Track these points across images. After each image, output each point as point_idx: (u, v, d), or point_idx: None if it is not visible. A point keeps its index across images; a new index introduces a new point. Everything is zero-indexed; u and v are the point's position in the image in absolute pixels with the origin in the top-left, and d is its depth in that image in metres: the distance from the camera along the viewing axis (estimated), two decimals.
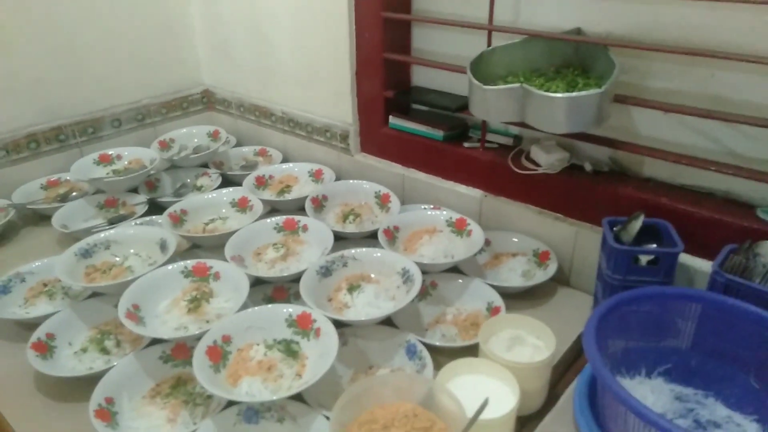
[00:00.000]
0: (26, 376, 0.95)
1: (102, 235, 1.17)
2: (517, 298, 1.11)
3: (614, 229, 1.00)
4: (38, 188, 1.48)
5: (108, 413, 0.83)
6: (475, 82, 1.03)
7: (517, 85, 0.98)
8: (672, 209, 1.02)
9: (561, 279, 1.18)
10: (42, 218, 1.41)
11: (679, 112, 0.98)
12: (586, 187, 1.12)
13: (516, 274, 1.15)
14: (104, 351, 0.98)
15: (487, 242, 1.21)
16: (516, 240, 1.22)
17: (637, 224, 0.96)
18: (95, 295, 1.07)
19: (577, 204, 1.15)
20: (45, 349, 0.97)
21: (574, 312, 1.09)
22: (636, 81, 1.06)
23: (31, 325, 1.01)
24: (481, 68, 1.09)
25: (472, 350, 0.93)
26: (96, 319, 1.04)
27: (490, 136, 1.28)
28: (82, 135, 1.58)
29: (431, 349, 0.94)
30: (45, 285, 1.14)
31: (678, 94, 1.02)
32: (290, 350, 0.90)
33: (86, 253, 1.13)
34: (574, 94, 0.93)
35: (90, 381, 0.88)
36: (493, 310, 1.04)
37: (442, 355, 0.95)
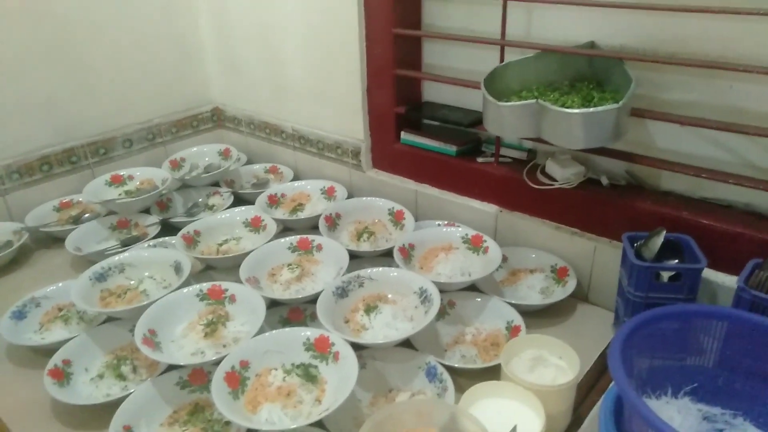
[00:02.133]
0: (44, 404, 0.94)
1: (116, 258, 1.17)
2: (536, 316, 1.09)
3: (635, 245, 0.98)
4: (51, 210, 1.48)
5: None
6: (490, 98, 1.02)
7: (532, 101, 0.98)
8: (693, 223, 1.00)
9: (580, 295, 1.16)
10: (55, 241, 1.41)
11: (697, 125, 0.97)
12: (603, 202, 1.11)
13: (534, 291, 1.14)
14: (121, 377, 0.97)
15: (504, 258, 1.20)
16: (533, 256, 1.21)
17: (658, 240, 0.95)
18: (111, 319, 1.07)
19: (594, 219, 1.13)
20: (62, 375, 0.96)
21: (594, 329, 1.07)
22: (652, 93, 1.05)
23: (47, 351, 1.01)
24: (495, 83, 1.08)
25: (493, 372, 0.91)
26: (112, 344, 1.03)
27: (503, 151, 1.27)
28: (94, 156, 1.59)
29: (451, 370, 0.93)
30: (60, 310, 1.14)
31: (695, 106, 1.01)
32: (309, 375, 0.89)
33: (101, 277, 1.13)
34: (592, 109, 0.92)
35: (107, 408, 0.87)
36: (513, 330, 1.03)
37: (462, 377, 0.93)
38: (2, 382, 1.01)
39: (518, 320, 1.03)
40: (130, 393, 0.89)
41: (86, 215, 1.45)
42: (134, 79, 1.64)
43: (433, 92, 1.40)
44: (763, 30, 0.91)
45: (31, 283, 1.22)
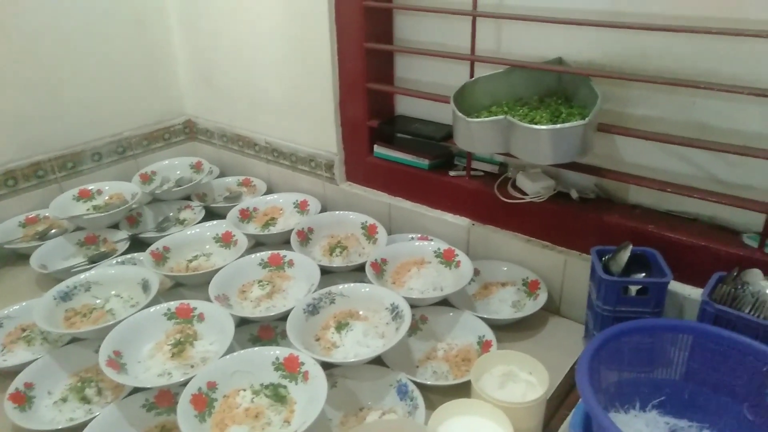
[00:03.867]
0: (4, 430, 0.91)
1: (82, 276, 1.14)
2: (508, 330, 1.10)
3: (603, 259, 0.99)
4: (16, 226, 1.44)
5: None
6: (459, 114, 1.03)
7: (501, 117, 0.98)
8: (659, 236, 1.02)
9: (551, 308, 1.17)
10: (20, 258, 1.37)
11: (661, 140, 0.99)
12: (573, 215, 1.12)
13: (506, 304, 1.14)
14: (85, 400, 0.95)
15: (476, 272, 1.20)
16: (505, 269, 1.21)
17: (625, 254, 0.96)
18: (75, 340, 1.04)
19: (564, 232, 1.14)
20: (23, 399, 0.93)
21: (565, 342, 1.08)
22: (618, 108, 1.06)
23: (9, 373, 0.98)
24: (465, 99, 1.09)
25: (464, 388, 0.91)
26: (76, 366, 1.01)
27: (475, 164, 1.28)
28: (62, 170, 1.55)
29: (423, 387, 0.92)
30: (23, 330, 1.11)
31: (660, 121, 1.03)
32: (278, 395, 0.87)
33: (66, 296, 1.10)
34: (558, 126, 0.93)
35: None
36: (484, 344, 1.03)
37: (434, 394, 0.93)
38: None
39: (489, 335, 1.03)
40: (94, 417, 0.87)
41: (53, 231, 1.42)
42: (104, 91, 1.61)
43: (405, 106, 1.40)
44: (723, 48, 0.93)
45: None
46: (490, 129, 1.00)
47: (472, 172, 1.27)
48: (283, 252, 1.21)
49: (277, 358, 0.91)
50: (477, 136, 1.03)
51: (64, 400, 0.95)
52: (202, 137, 1.81)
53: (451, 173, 1.29)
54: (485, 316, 1.07)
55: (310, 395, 0.85)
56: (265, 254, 1.20)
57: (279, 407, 0.86)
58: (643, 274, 0.98)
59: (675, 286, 1.00)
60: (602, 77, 1.02)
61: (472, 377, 0.87)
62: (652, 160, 1.07)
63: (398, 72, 1.37)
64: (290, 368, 0.90)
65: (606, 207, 1.12)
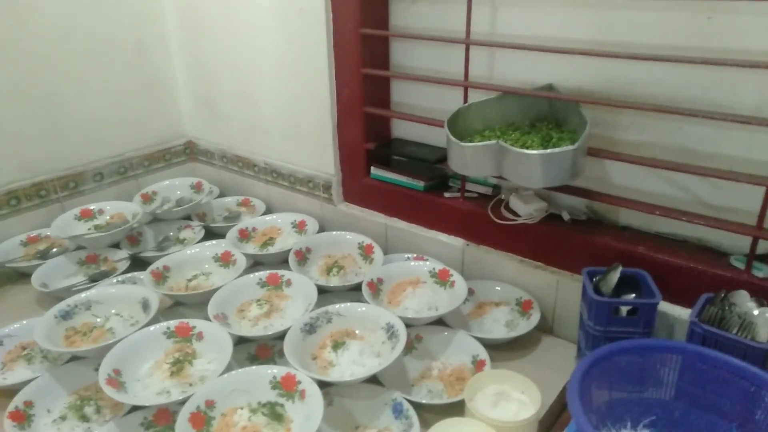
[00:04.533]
0: None
1: (83, 295, 1.16)
2: (501, 349, 1.11)
3: (594, 279, 1.02)
4: (18, 245, 1.46)
5: None
6: (453, 138, 1.06)
7: (493, 141, 1.01)
8: (648, 258, 1.04)
9: (544, 327, 1.19)
10: (21, 276, 1.39)
11: (648, 164, 1.02)
12: (564, 236, 1.14)
13: (500, 324, 1.16)
14: (84, 418, 0.96)
15: (471, 291, 1.22)
16: (499, 289, 1.23)
17: (615, 275, 0.98)
18: (75, 358, 1.06)
19: (556, 253, 1.17)
20: (23, 418, 0.94)
21: (558, 361, 1.09)
22: (608, 133, 1.10)
23: (9, 392, 0.99)
24: (459, 123, 1.12)
25: (458, 407, 0.92)
26: (76, 384, 1.02)
27: (469, 186, 1.30)
28: (64, 190, 1.58)
29: (417, 406, 0.94)
30: (24, 348, 1.12)
31: (648, 145, 1.06)
32: (275, 413, 0.89)
33: (66, 315, 1.12)
34: (549, 151, 0.96)
35: None
36: (478, 364, 1.05)
37: (429, 412, 0.94)
38: None
39: (483, 354, 1.05)
40: None
41: (54, 250, 1.44)
42: (106, 113, 1.65)
43: (401, 129, 1.43)
44: (707, 76, 0.96)
45: None
46: (482, 153, 1.03)
47: (467, 194, 1.30)
48: (281, 272, 1.23)
49: (275, 377, 0.92)
50: (470, 159, 1.06)
51: (63, 418, 0.96)
52: (203, 158, 1.84)
53: (446, 195, 1.32)
54: (479, 336, 1.09)
55: (307, 413, 0.86)
56: (263, 274, 1.22)
57: (276, 425, 0.87)
58: (633, 295, 1.00)
59: (665, 306, 1.02)
60: (591, 103, 1.06)
61: (465, 396, 0.88)
62: (641, 183, 1.10)
63: (395, 96, 1.41)
64: (287, 387, 0.91)
65: (597, 229, 1.14)
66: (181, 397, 0.89)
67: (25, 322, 1.16)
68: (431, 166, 1.31)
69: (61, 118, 1.56)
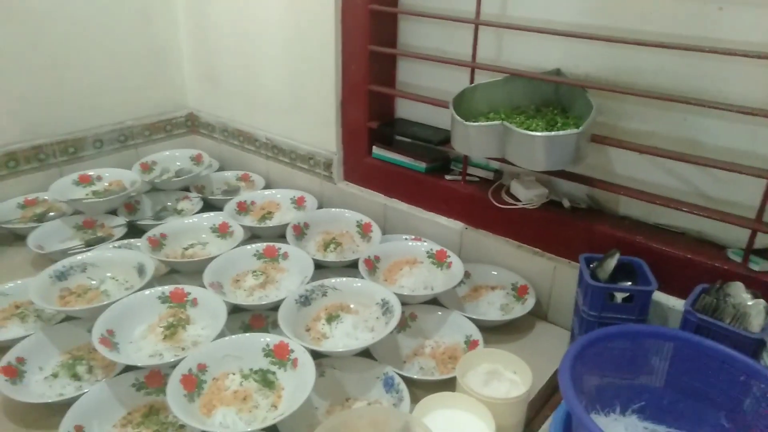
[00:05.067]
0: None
1: (78, 257, 1.16)
2: (495, 332, 1.12)
3: (591, 265, 1.02)
4: (15, 207, 1.45)
5: None
6: (457, 118, 1.05)
7: (497, 122, 1.01)
8: (646, 248, 1.05)
9: (539, 313, 1.19)
10: (17, 238, 1.38)
11: (653, 153, 1.02)
12: (564, 223, 1.15)
13: (494, 307, 1.17)
14: (76, 377, 0.96)
15: (467, 274, 1.22)
16: (495, 273, 1.23)
17: (612, 262, 0.98)
18: (69, 318, 1.05)
19: (555, 239, 1.17)
20: (15, 373, 0.94)
21: (551, 347, 1.10)
22: (613, 122, 1.10)
23: (2, 348, 0.99)
24: (464, 104, 1.12)
25: (449, 384, 0.93)
26: (68, 344, 1.02)
27: (471, 170, 1.30)
28: (63, 155, 1.57)
29: (409, 382, 0.94)
30: (17, 307, 1.12)
31: (653, 135, 1.06)
32: (266, 380, 0.89)
33: (61, 276, 1.12)
34: (553, 133, 0.96)
35: (60, 408, 0.86)
36: (471, 344, 1.05)
37: (419, 389, 0.95)
38: None
39: (477, 335, 1.05)
40: (84, 393, 0.88)
41: (51, 214, 1.44)
42: (109, 80, 1.64)
43: (406, 109, 1.43)
44: (715, 67, 0.96)
45: None
46: (486, 134, 1.03)
47: (468, 178, 1.29)
48: (278, 244, 1.23)
49: (268, 345, 0.92)
50: (474, 140, 1.06)
51: (55, 375, 0.96)
52: (204, 131, 1.83)
53: (447, 177, 1.31)
54: (473, 317, 1.10)
55: (298, 382, 0.86)
56: (260, 246, 1.22)
57: (267, 392, 0.87)
58: (629, 283, 1.01)
59: (660, 296, 1.02)
60: (597, 89, 1.05)
61: (457, 373, 0.89)
62: (642, 173, 1.10)
63: (400, 76, 1.40)
64: (280, 355, 0.92)
65: (596, 217, 1.14)
66: (173, 360, 0.89)
67: (19, 281, 1.16)
68: (434, 147, 1.31)
69: (63, 82, 1.55)
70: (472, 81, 1.18)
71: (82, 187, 1.50)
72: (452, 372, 0.96)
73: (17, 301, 1.13)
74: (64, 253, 1.23)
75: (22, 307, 1.12)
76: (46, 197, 1.49)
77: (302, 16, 1.39)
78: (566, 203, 1.17)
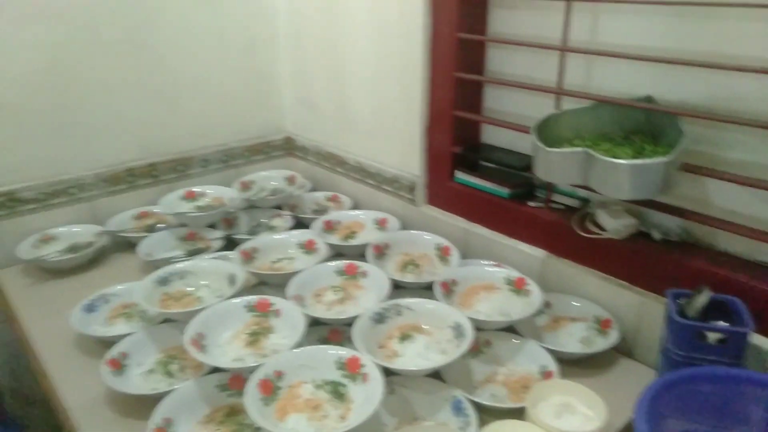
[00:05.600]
0: (100, 390, 1.03)
1: (179, 265, 1.27)
2: (573, 365, 1.08)
3: (679, 301, 0.96)
4: (130, 218, 1.62)
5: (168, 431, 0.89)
6: (539, 143, 1.05)
7: (580, 149, 0.99)
8: (745, 286, 0.97)
9: (623, 349, 1.13)
10: (130, 246, 1.54)
11: (753, 185, 0.95)
12: (653, 256, 1.09)
13: (574, 339, 1.13)
14: (169, 374, 1.05)
15: (547, 304, 1.19)
16: (577, 304, 1.19)
17: (701, 298, 0.92)
18: (168, 320, 1.15)
19: (643, 273, 1.11)
20: (119, 366, 1.05)
21: (633, 386, 1.03)
22: (711, 151, 1.04)
23: (109, 342, 1.11)
24: (548, 130, 1.11)
25: (519, 413, 0.91)
26: (165, 343, 1.11)
27: (556, 197, 1.28)
28: (173, 172, 1.73)
29: (478, 408, 0.93)
30: (125, 307, 1.24)
31: (756, 166, 0.99)
32: (337, 392, 0.92)
33: (163, 281, 1.23)
34: (638, 161, 0.92)
35: (153, 401, 0.94)
36: (546, 375, 1.02)
37: (489, 415, 0.93)
38: (69, 367, 1.11)
39: (553, 366, 1.02)
40: (175, 389, 0.96)
41: (160, 225, 1.58)
42: (216, 106, 1.79)
43: (490, 135, 1.43)
44: None
45: (104, 281, 1.33)
46: (568, 160, 1.02)
47: (552, 205, 1.27)
48: (358, 263, 1.27)
49: (341, 358, 0.96)
50: (555, 166, 1.04)
51: (151, 371, 1.06)
52: (299, 153, 1.94)
53: (531, 204, 1.30)
54: (551, 348, 1.06)
55: (367, 396, 0.89)
56: (342, 263, 1.27)
57: (337, 403, 0.90)
58: (724, 323, 0.93)
59: (761, 340, 0.94)
60: (692, 117, 1.00)
61: (528, 402, 0.87)
62: (745, 207, 1.02)
63: (486, 102, 1.41)
64: (351, 368, 0.94)
65: (690, 251, 1.08)
66: (253, 365, 0.94)
67: (128, 284, 1.29)
68: (518, 173, 1.30)
69: (176, 107, 1.71)
70: (558, 108, 1.17)
71: (188, 202, 1.65)
72: (524, 401, 0.94)
73: (125, 302, 1.26)
74: (168, 261, 1.35)
75: (129, 308, 1.24)
76: (156, 210, 1.64)
77: (392, 43, 1.45)
78: (656, 235, 1.12)
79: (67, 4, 1.46)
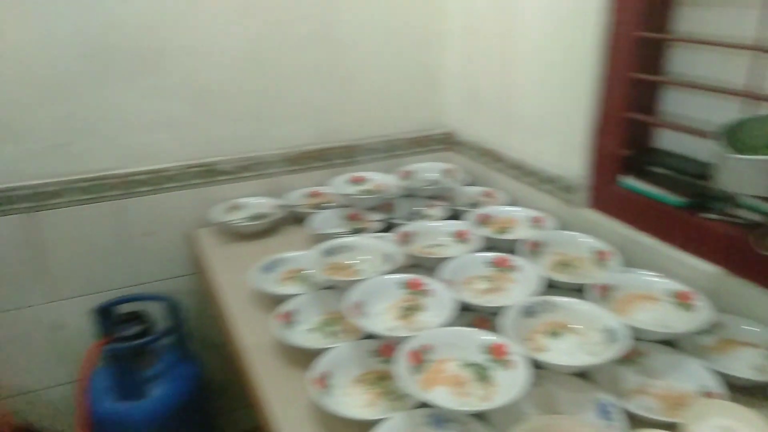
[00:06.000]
0: (271, 339, 1.17)
1: (345, 240, 1.39)
2: (741, 392, 0.99)
3: None
4: (302, 195, 1.81)
5: (324, 383, 0.99)
6: (724, 149, 0.97)
7: None
8: None
9: None
10: (299, 220, 1.71)
11: None
12: None
13: (744, 364, 1.03)
14: (328, 334, 1.17)
15: (715, 325, 1.10)
16: (751, 329, 1.09)
17: None
18: (331, 287, 1.28)
19: None
20: (287, 320, 1.19)
21: None
22: None
23: (279, 300, 1.26)
24: (735, 136, 1.02)
25: (670, 428, 0.86)
26: (328, 307, 1.24)
27: (734, 210, 1.17)
28: (342, 157, 1.89)
29: (626, 415, 0.90)
30: (295, 272, 1.41)
31: None
32: (482, 375, 0.95)
33: (330, 252, 1.36)
34: None
35: (312, 355, 1.05)
36: (705, 395, 0.95)
37: (637, 425, 0.90)
38: (245, 316, 1.28)
39: (716, 388, 0.95)
40: (333, 347, 1.07)
41: (328, 204, 1.74)
42: (384, 99, 1.91)
43: (663, 139, 1.35)
44: None
45: (277, 247, 1.51)
46: (758, 169, 0.93)
47: (730, 219, 1.17)
48: (510, 257, 1.29)
49: (489, 342, 0.99)
50: (743, 175, 0.96)
51: (313, 330, 1.18)
52: (459, 148, 1.99)
53: (705, 215, 1.20)
54: (717, 369, 0.99)
55: (512, 382, 0.91)
56: (493, 255, 1.30)
57: (481, 384, 0.94)
58: None
59: None
60: None
61: (685, 419, 0.82)
62: None
63: (664, 105, 1.33)
64: (497, 354, 0.97)
65: None
66: (406, 335, 1.01)
67: (300, 252, 1.44)
68: (692, 181, 1.21)
69: (349, 98, 1.86)
70: (745, 113, 1.07)
71: (354, 186, 1.79)
72: (677, 418, 0.89)
73: (295, 267, 1.42)
74: (332, 236, 1.48)
75: (297, 273, 1.40)
76: (325, 190, 1.81)
77: (563, 41, 1.43)
78: None
79: (264, 4, 1.66)
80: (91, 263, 1.67)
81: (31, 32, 1.44)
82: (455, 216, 1.62)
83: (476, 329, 1.04)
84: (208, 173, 1.74)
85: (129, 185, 1.65)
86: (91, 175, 1.60)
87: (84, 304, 1.66)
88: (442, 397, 0.91)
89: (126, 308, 1.67)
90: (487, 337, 1.01)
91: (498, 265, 1.29)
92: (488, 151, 1.83)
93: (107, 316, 1.63)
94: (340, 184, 1.78)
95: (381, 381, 1.04)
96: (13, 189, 1.51)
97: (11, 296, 1.61)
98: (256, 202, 1.77)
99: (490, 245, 1.44)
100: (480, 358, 0.99)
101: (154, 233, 1.72)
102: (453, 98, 1.99)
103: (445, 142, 2.03)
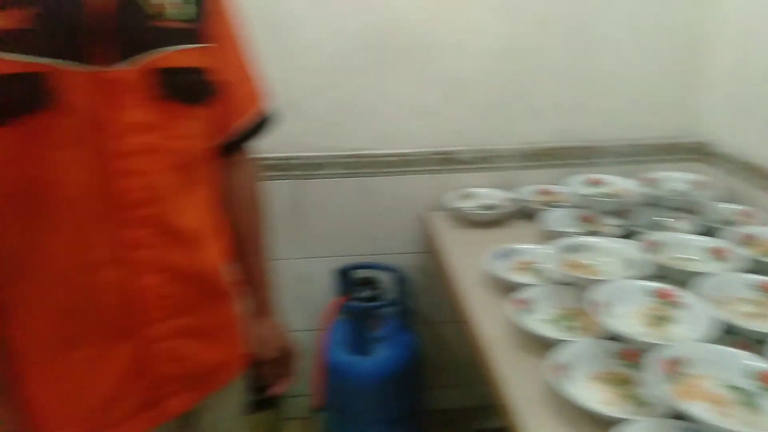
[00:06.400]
0: (503, 321, 1.22)
1: (584, 239, 1.38)
2: None
3: None
4: (534, 192, 1.82)
5: (564, 372, 1.01)
6: None
7: None
8: None
9: None
10: (527, 215, 1.73)
11: None
12: None
13: None
14: (564, 328, 1.17)
15: None
16: None
17: None
18: (566, 283, 1.27)
19: None
20: (524, 307, 1.22)
21: None
22: None
23: (511, 287, 1.30)
24: None
25: None
26: (563, 302, 1.24)
27: None
28: (579, 158, 1.85)
29: None
30: (527, 263, 1.44)
31: None
32: (749, 401, 0.87)
33: (569, 249, 1.34)
34: None
35: (549, 345, 1.07)
36: None
37: None
38: (481, 300, 1.34)
39: None
40: (575, 341, 1.07)
41: (558, 203, 1.72)
42: (632, 101, 1.82)
43: None
44: None
45: (506, 239, 1.55)
46: None
47: None
48: None
49: (756, 368, 0.90)
50: None
51: (550, 320, 1.20)
52: (714, 160, 1.81)
53: None
54: None
55: None
56: (761, 279, 1.17)
57: (748, 410, 0.86)
58: None
59: None
60: None
61: None
62: None
63: None
64: (767, 382, 0.88)
65: None
66: (656, 342, 0.97)
67: (532, 246, 1.47)
68: None
69: (595, 98, 1.81)
70: None
71: (589, 187, 1.74)
72: None
73: (525, 259, 1.45)
74: (563, 235, 1.47)
75: (528, 264, 1.43)
76: (555, 189, 1.80)
77: None
78: None
79: (523, 1, 1.70)
80: (339, 229, 1.90)
81: (328, 28, 1.68)
82: (707, 232, 1.48)
83: (740, 351, 0.95)
84: (447, 161, 1.85)
85: (378, 165, 1.84)
86: (350, 153, 1.81)
87: (328, 264, 1.89)
88: (699, 410, 0.85)
89: (362, 273, 1.86)
90: (754, 361, 0.92)
91: (766, 290, 1.15)
92: (753, 166, 1.63)
93: (346, 278, 1.84)
94: (576, 184, 1.75)
95: (622, 383, 1.01)
96: (292, 158, 1.79)
97: (278, 248, 1.90)
98: (487, 193, 1.83)
99: (755, 268, 1.29)
100: (745, 383, 0.90)
101: (393, 210, 1.88)
102: (715, 106, 1.81)
103: (696, 152, 1.86)
